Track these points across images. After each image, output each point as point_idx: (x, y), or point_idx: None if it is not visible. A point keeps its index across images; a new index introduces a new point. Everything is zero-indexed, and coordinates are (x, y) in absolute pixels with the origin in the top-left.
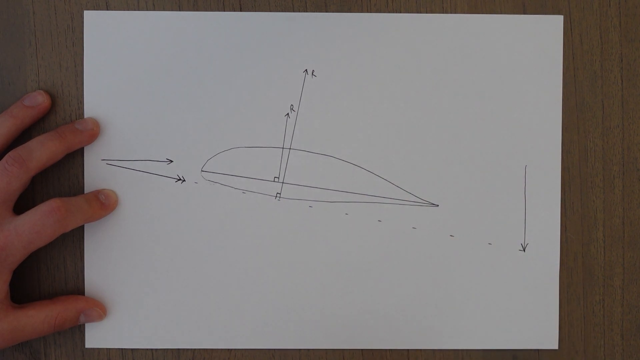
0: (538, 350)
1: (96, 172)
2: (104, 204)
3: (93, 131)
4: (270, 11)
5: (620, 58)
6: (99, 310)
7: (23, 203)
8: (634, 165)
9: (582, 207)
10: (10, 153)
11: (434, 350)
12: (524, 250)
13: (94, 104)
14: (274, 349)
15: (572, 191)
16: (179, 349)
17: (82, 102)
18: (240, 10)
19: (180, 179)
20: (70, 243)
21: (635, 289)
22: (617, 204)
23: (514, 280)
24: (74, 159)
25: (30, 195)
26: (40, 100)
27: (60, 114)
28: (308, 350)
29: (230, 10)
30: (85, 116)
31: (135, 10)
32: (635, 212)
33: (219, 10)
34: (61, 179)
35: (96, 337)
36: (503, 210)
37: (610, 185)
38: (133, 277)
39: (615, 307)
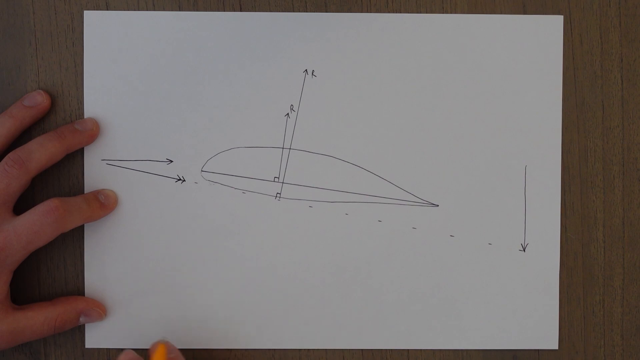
0: (538, 350)
1: (96, 172)
2: (103, 204)
3: (93, 131)
4: (270, 11)
5: (620, 58)
6: (98, 310)
7: (23, 203)
8: (634, 165)
9: (582, 207)
10: (10, 154)
11: (434, 350)
12: (524, 250)
13: (94, 104)
14: (274, 349)
15: (572, 191)
16: (179, 349)
17: (82, 102)
18: (240, 10)
19: (180, 179)
20: (70, 243)
21: (635, 289)
22: (617, 204)
23: (514, 280)
24: (74, 159)
25: (30, 195)
26: (39, 100)
27: (60, 114)
28: (308, 350)
29: (230, 10)
30: (85, 116)
31: (135, 10)
32: (635, 212)
33: (219, 10)
34: (61, 179)
35: (96, 337)
36: (503, 210)
37: (610, 185)
38: (133, 277)
39: (615, 307)
